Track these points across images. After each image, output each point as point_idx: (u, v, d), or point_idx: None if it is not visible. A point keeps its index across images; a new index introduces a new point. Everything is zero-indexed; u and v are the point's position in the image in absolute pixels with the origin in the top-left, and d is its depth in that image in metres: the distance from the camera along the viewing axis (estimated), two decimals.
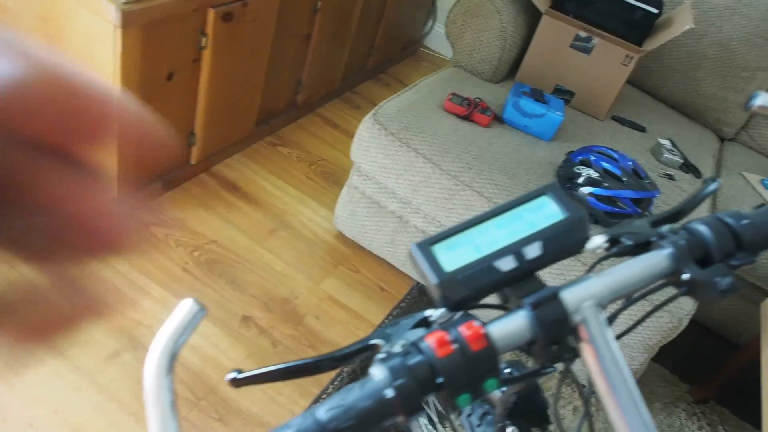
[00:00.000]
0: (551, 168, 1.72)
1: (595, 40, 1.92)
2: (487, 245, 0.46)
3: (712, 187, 0.60)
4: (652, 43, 1.93)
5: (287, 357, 1.60)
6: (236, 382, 0.54)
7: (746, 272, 1.94)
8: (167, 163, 1.83)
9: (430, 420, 1.16)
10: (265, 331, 1.63)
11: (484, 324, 0.44)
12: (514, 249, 0.46)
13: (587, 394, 0.57)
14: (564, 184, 1.66)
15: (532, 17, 2.03)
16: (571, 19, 1.91)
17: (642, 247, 0.51)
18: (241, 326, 1.62)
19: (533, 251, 0.46)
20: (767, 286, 1.93)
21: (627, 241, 0.52)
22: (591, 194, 1.60)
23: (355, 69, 2.58)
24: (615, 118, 2.11)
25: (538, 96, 1.82)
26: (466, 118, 1.76)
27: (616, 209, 1.60)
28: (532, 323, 0.44)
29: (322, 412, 0.40)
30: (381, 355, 0.44)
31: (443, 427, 1.16)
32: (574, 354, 0.47)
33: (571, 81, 2.02)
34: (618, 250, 0.52)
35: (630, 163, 1.64)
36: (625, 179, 1.60)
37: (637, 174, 1.63)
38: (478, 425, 0.93)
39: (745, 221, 0.50)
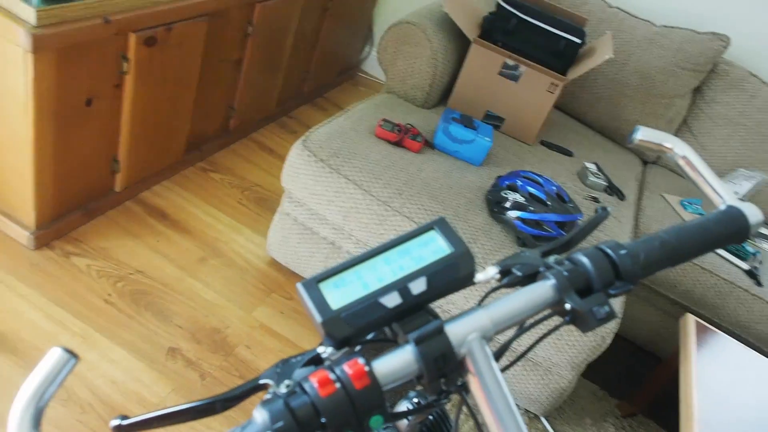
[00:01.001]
0: (480, 193, 1.75)
1: (522, 68, 1.98)
2: (374, 281, 0.47)
3: (601, 216, 0.62)
4: (576, 72, 2.00)
5: (216, 389, 1.55)
6: (121, 429, 0.51)
7: (667, 289, 2.02)
8: (89, 191, 1.77)
9: None
10: (193, 363, 1.58)
11: (369, 361, 0.44)
12: (399, 285, 0.46)
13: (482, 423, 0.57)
14: (493, 208, 1.69)
15: (462, 45, 2.08)
16: (499, 48, 1.97)
17: (531, 277, 0.53)
18: (167, 359, 1.56)
19: (418, 287, 0.47)
20: (687, 301, 2.01)
21: (517, 272, 0.53)
22: (518, 218, 1.64)
23: (290, 94, 2.57)
24: (543, 143, 2.17)
25: (467, 122, 1.85)
26: (397, 144, 1.77)
27: (543, 232, 1.63)
28: (417, 358, 0.44)
29: None
30: (267, 396, 0.43)
31: None
32: (463, 386, 0.48)
33: (501, 107, 2.07)
34: (508, 281, 0.53)
35: (554, 188, 1.69)
36: (549, 203, 1.64)
37: (561, 198, 1.68)
38: None
39: (623, 251, 0.52)
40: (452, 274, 0.47)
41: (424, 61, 1.96)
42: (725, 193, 0.65)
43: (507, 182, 1.69)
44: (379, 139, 1.77)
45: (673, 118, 2.42)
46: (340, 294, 0.46)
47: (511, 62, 1.97)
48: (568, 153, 2.19)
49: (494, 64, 1.98)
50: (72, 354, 0.44)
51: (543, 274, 0.51)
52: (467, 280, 0.48)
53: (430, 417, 0.74)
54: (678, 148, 0.68)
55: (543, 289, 0.50)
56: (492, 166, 1.90)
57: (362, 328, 0.45)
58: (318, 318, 0.44)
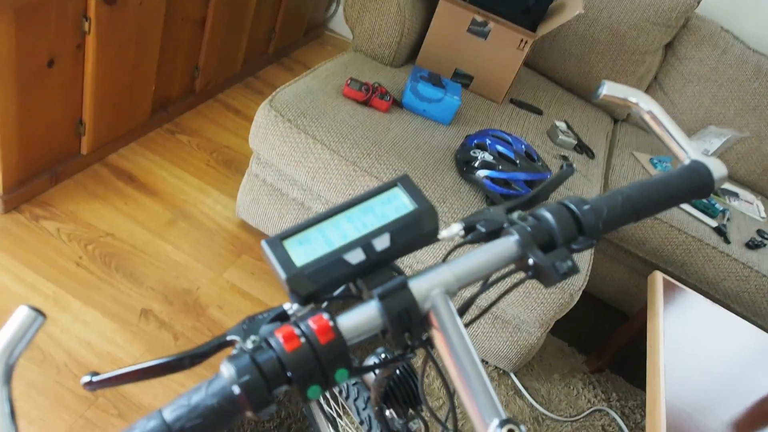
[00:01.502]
0: (449, 152, 1.76)
1: (491, 25, 1.96)
2: (337, 238, 0.47)
3: (566, 173, 0.64)
4: (545, 28, 1.99)
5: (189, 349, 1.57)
6: (92, 385, 0.53)
7: (636, 247, 2.07)
8: (55, 154, 1.74)
9: (325, 409, 1.18)
10: (166, 324, 1.59)
11: (334, 316, 0.45)
12: (363, 242, 0.47)
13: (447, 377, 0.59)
14: (461, 167, 1.70)
15: (430, 2, 2.05)
16: (467, 4, 1.95)
17: (495, 234, 0.54)
18: (140, 320, 1.58)
19: (382, 243, 0.47)
20: (654, 259, 2.07)
21: (481, 229, 0.54)
22: (487, 177, 1.65)
23: (256, 54, 2.52)
24: (513, 101, 2.18)
25: (435, 80, 1.85)
26: (365, 103, 1.77)
27: (511, 191, 1.65)
28: (381, 313, 0.45)
29: (168, 412, 0.40)
30: (234, 352, 0.44)
31: (339, 414, 1.18)
32: (428, 341, 0.49)
33: (470, 65, 2.06)
34: (472, 237, 0.54)
35: (523, 146, 1.70)
36: (518, 162, 1.66)
37: (529, 156, 1.70)
38: (364, 408, 0.95)
39: (586, 207, 0.53)
40: (415, 231, 0.48)
41: (391, 18, 1.94)
42: (689, 148, 0.66)
43: (476, 141, 1.70)
44: (346, 99, 1.76)
45: (643, 75, 2.43)
46: (304, 251, 0.46)
47: (479, 19, 1.96)
48: (537, 111, 2.20)
49: (462, 21, 1.97)
50: (39, 312, 0.44)
51: (507, 230, 0.52)
52: (431, 237, 0.49)
53: (397, 372, 0.76)
54: (643, 102, 0.68)
55: (506, 244, 0.51)
56: (461, 125, 1.90)
57: (326, 285, 0.46)
58: (282, 275, 0.45)
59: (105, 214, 1.78)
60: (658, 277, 1.70)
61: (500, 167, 1.64)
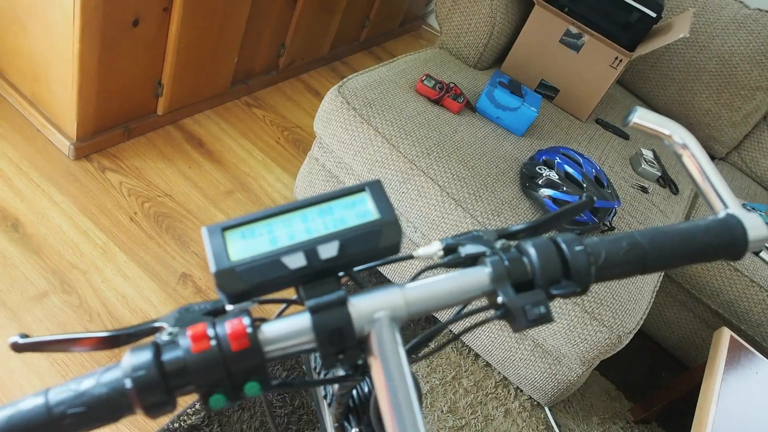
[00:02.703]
0: (515, 164, 1.67)
1: (585, 38, 1.84)
2: (283, 238, 0.43)
3: (583, 204, 0.56)
4: (645, 48, 1.85)
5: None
6: (18, 347, 0.51)
7: (708, 296, 1.89)
8: (131, 111, 1.81)
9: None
10: (202, 291, 1.61)
11: (259, 323, 0.41)
12: (307, 246, 0.42)
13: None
14: (525, 182, 1.61)
15: (524, 6, 1.96)
16: (563, 13, 1.84)
17: (473, 260, 0.48)
18: (178, 283, 1.61)
19: (328, 251, 0.42)
20: (727, 313, 1.88)
21: (461, 252, 0.48)
22: (549, 197, 1.55)
23: (346, 39, 2.51)
24: (598, 122, 2.04)
25: (515, 88, 1.76)
26: (437, 102, 1.71)
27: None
28: (311, 328, 0.41)
29: (54, 394, 0.37)
30: (159, 338, 0.41)
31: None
32: (363, 367, 0.44)
33: (557, 77, 1.95)
34: (449, 260, 0.48)
35: (593, 170, 1.59)
36: (585, 185, 1.55)
37: (599, 181, 1.58)
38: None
39: (578, 247, 0.46)
40: (371, 243, 0.43)
41: (482, 19, 1.86)
42: (728, 198, 0.57)
43: (544, 157, 1.61)
44: (418, 95, 1.71)
45: (751, 113, 2.21)
46: (244, 246, 0.42)
47: (574, 30, 1.84)
48: (623, 135, 2.05)
49: (556, 30, 1.86)
50: None
51: (483, 259, 0.46)
52: (388, 252, 0.44)
53: (365, 389, 0.70)
54: (678, 135, 0.59)
55: (478, 275, 0.45)
56: (534, 138, 1.80)
57: (258, 286, 0.41)
58: (212, 267, 0.41)
59: (168, 175, 1.83)
60: (725, 333, 1.54)
61: (564, 188, 1.54)
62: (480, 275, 0.45)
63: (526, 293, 0.44)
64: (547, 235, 0.48)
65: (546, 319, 0.43)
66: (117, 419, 0.38)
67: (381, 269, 1.83)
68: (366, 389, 0.68)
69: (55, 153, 1.74)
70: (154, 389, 0.37)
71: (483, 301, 0.47)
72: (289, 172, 2.02)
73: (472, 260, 0.47)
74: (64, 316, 1.44)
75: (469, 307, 0.50)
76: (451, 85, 1.72)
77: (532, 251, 0.45)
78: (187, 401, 1.39)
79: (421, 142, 1.58)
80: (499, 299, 0.44)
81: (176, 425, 1.35)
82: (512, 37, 1.97)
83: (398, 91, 1.68)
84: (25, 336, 0.51)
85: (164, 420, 1.35)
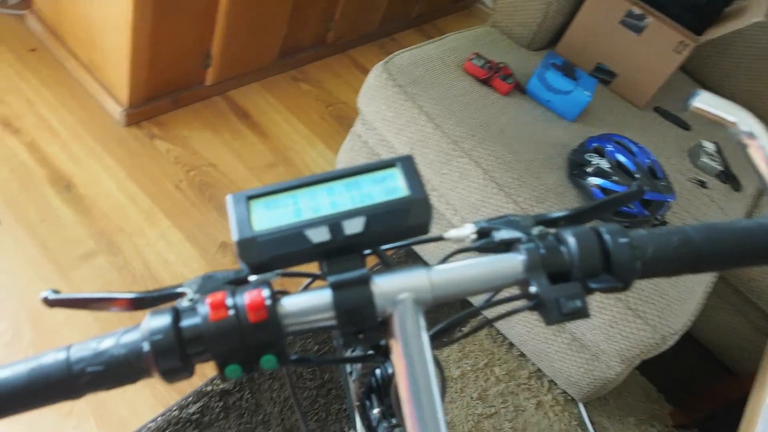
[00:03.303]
0: (564, 151, 1.61)
1: (649, 20, 1.75)
2: (308, 211, 0.41)
3: (632, 193, 0.52)
4: (714, 33, 1.74)
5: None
6: (49, 302, 0.52)
7: (766, 303, 1.78)
8: (180, 80, 1.83)
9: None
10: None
11: (279, 296, 0.40)
12: (332, 220, 0.40)
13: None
14: (572, 170, 1.55)
15: None
16: None
17: (507, 246, 0.45)
18: (217, 252, 1.63)
19: (353, 227, 0.40)
20: None
21: (495, 236, 0.45)
22: (597, 186, 1.49)
23: (396, 15, 2.47)
24: (657, 110, 1.94)
25: (568, 71, 1.68)
26: (485, 82, 1.66)
27: (622, 207, 1.48)
28: (332, 305, 0.39)
29: (75, 350, 0.37)
30: (179, 304, 0.41)
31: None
32: (384, 348, 0.42)
33: (615, 61, 1.86)
34: (481, 244, 0.46)
35: (648, 160, 1.51)
36: (637, 176, 1.47)
37: (653, 173, 1.50)
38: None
39: (623, 239, 0.42)
40: (398, 221, 0.41)
41: None
42: None
43: (594, 144, 1.54)
44: (466, 74, 1.66)
45: None
46: (268, 216, 0.41)
47: (637, 11, 1.75)
48: (684, 125, 1.94)
49: (617, 11, 1.77)
50: None
51: (517, 246, 0.43)
52: (416, 232, 0.41)
53: (388, 370, 0.69)
54: (745, 123, 0.54)
55: (511, 262, 0.42)
56: (585, 124, 1.73)
57: (279, 258, 0.40)
58: (234, 236, 0.40)
59: (213, 144, 1.85)
60: None
61: (615, 178, 1.47)
62: (513, 262, 0.42)
63: (561, 285, 0.41)
64: (590, 224, 0.45)
65: (581, 313, 0.40)
66: (134, 381, 0.38)
67: (419, 252, 1.80)
68: (390, 370, 0.67)
69: (107, 119, 1.79)
70: (171, 355, 0.37)
71: (515, 290, 0.45)
72: (331, 148, 2.01)
73: (506, 246, 0.45)
74: (109, 276, 1.48)
75: (501, 295, 0.48)
76: (501, 65, 1.67)
77: (571, 240, 0.42)
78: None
79: (466, 122, 1.53)
80: (532, 289, 0.41)
81: (209, 388, 1.38)
82: (569, 16, 1.89)
83: (445, 69, 1.64)
84: (57, 292, 0.52)
85: (197, 382, 1.38)
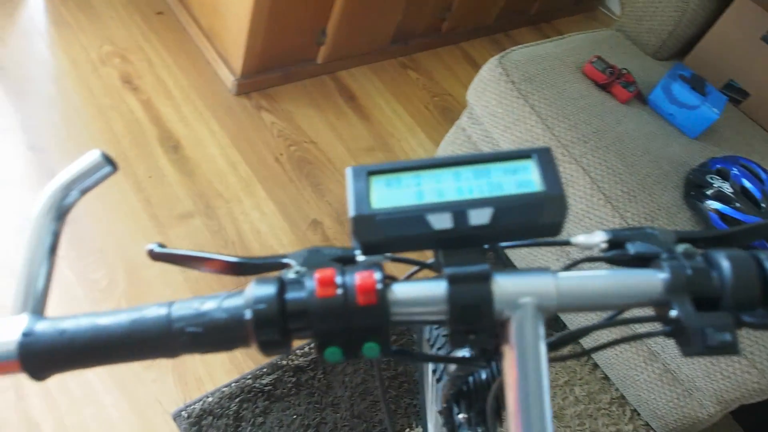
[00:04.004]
0: (682, 169, 1.50)
1: None
2: (431, 194, 0.38)
3: None
4: None
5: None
6: (154, 255, 0.53)
7: None
8: (293, 55, 1.85)
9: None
10: (329, 240, 1.64)
11: (390, 281, 0.37)
12: (456, 208, 0.37)
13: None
14: (690, 190, 1.44)
15: None
16: None
17: (643, 260, 0.41)
18: (308, 228, 1.64)
19: (479, 218, 0.37)
20: None
21: (629, 249, 0.41)
22: (716, 210, 1.38)
23: (514, 11, 2.40)
24: None
25: (697, 85, 1.57)
26: (604, 87, 1.57)
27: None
28: (446, 299, 0.36)
29: (176, 308, 0.37)
30: (285, 275, 0.39)
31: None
32: (495, 353, 0.39)
33: (750, 79, 1.71)
34: (613, 255, 0.42)
35: None
36: (763, 205, 1.35)
37: None
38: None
39: None
40: (529, 218, 0.37)
41: (673, 3, 1.67)
42: None
43: (719, 166, 1.42)
44: (584, 77, 1.58)
45: None
46: (388, 195, 0.38)
47: None
48: None
49: (759, 26, 1.62)
50: (110, 162, 0.43)
51: (659, 262, 0.39)
52: (546, 232, 0.38)
53: (482, 375, 0.65)
54: None
55: (649, 279, 0.38)
56: (708, 143, 1.60)
57: (395, 240, 0.38)
58: (351, 211, 0.38)
59: (316, 122, 1.87)
60: None
61: (738, 205, 1.35)
62: (652, 280, 0.38)
63: (708, 313, 0.36)
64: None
65: (730, 349, 0.35)
66: (231, 348, 0.37)
67: (508, 254, 1.75)
68: (483, 376, 0.63)
69: (219, 86, 1.84)
70: (272, 326, 0.35)
71: (645, 310, 0.40)
72: (432, 139, 1.98)
73: (642, 261, 0.40)
74: (202, 238, 1.52)
75: (627, 314, 0.43)
76: (624, 71, 1.57)
77: (725, 264, 0.37)
78: (298, 342, 1.43)
79: (579, 127, 1.46)
80: (673, 313, 0.36)
81: (284, 362, 1.39)
82: (703, 27, 1.76)
83: (563, 69, 1.57)
84: (162, 246, 0.52)
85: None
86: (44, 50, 1.73)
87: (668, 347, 1.41)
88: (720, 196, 1.38)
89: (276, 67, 1.84)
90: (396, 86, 2.08)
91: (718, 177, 1.41)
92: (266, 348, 0.36)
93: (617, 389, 1.63)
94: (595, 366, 1.65)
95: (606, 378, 1.64)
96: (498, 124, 1.54)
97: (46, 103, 1.62)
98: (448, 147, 1.77)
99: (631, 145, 1.48)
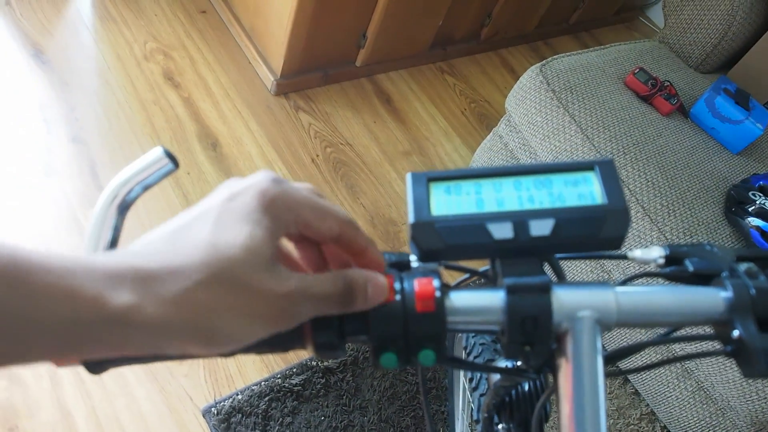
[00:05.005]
0: (723, 184, 1.48)
1: None
2: (491, 203, 0.38)
3: None
4: None
5: None
6: None
7: None
8: (333, 57, 1.87)
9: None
10: None
11: (447, 289, 0.38)
12: (517, 217, 0.37)
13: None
14: (731, 206, 1.42)
15: None
16: None
17: (703, 278, 0.40)
18: None
19: (540, 229, 0.37)
20: None
21: (688, 265, 0.41)
22: (757, 227, 1.35)
23: (554, 20, 2.38)
24: None
25: (741, 99, 1.54)
26: (645, 99, 1.55)
27: None
28: (504, 309, 0.36)
29: None
30: None
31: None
32: (550, 366, 0.39)
33: None
34: (672, 271, 0.42)
35: None
36: None
37: None
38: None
39: None
40: (591, 231, 0.37)
41: (718, 16, 1.65)
42: None
43: (762, 183, 1.40)
44: (626, 88, 1.56)
45: None
46: (448, 202, 0.38)
47: None
48: None
49: None
50: (172, 159, 0.43)
51: (721, 280, 0.38)
52: (607, 245, 0.38)
53: (526, 386, 0.65)
54: None
55: (711, 298, 0.37)
56: (751, 159, 1.58)
57: (454, 248, 0.37)
58: (410, 218, 0.38)
59: (353, 125, 1.88)
60: None
61: None
62: (715, 298, 0.37)
63: None
64: None
65: None
66: (287, 350, 0.37)
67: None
68: (526, 387, 0.63)
69: (259, 86, 1.86)
70: (330, 329, 0.35)
71: (703, 328, 0.40)
72: (468, 145, 1.98)
73: (702, 278, 0.40)
74: None
75: (683, 331, 0.43)
76: (666, 83, 1.56)
77: None
78: None
79: (619, 138, 1.45)
80: (735, 333, 0.36)
81: (313, 363, 1.40)
82: (750, 40, 1.73)
83: (604, 80, 1.55)
84: None
85: (304, 354, 1.41)
86: (90, 44, 1.77)
87: (702, 365, 1.39)
88: (762, 213, 1.36)
89: (315, 68, 1.86)
90: (433, 91, 2.08)
91: (760, 194, 1.39)
92: (322, 350, 0.36)
93: (647, 405, 1.60)
94: (626, 380, 1.63)
95: (636, 393, 1.62)
96: (537, 132, 1.54)
97: (89, 97, 1.66)
98: (484, 154, 1.77)
99: (671, 159, 1.46)
